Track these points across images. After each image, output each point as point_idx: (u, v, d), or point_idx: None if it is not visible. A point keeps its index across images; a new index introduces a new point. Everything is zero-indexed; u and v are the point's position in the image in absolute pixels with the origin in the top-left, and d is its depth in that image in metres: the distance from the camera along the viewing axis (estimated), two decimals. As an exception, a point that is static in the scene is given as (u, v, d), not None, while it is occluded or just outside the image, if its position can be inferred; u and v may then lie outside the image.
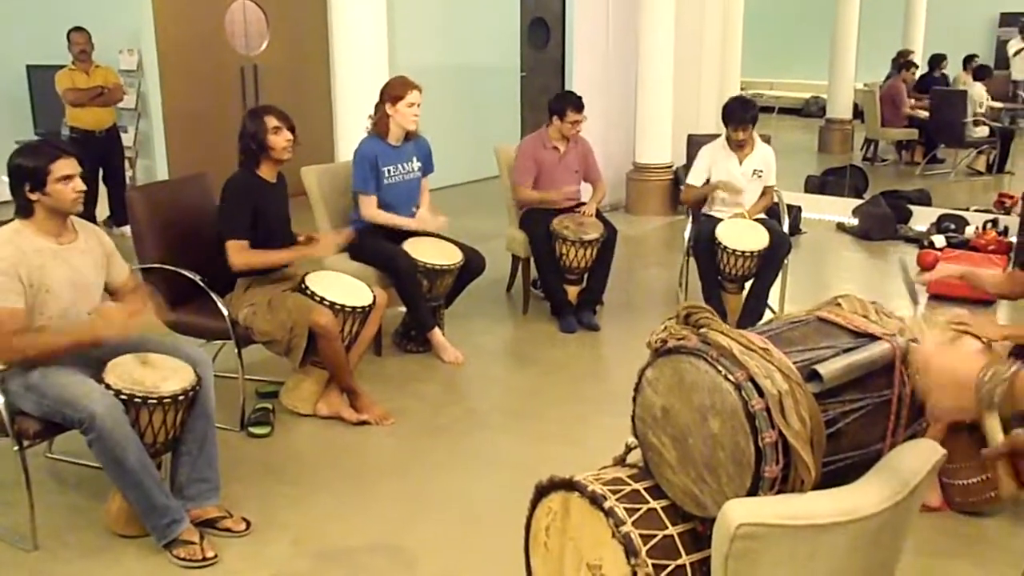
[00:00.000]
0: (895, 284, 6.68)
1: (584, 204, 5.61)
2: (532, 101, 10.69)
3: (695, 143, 6.16)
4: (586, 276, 5.50)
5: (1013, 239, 7.15)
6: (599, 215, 5.57)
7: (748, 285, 5.37)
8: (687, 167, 8.26)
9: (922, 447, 1.80)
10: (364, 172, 4.79)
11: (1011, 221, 7.48)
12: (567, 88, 9.61)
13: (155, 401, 2.92)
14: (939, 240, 7.25)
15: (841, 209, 8.32)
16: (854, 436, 1.74)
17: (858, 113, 12.11)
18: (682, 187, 6.26)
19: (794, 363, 1.68)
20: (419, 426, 4.13)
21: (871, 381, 1.75)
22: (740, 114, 5.36)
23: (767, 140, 5.78)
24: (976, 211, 8.07)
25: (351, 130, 5.39)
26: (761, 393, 1.62)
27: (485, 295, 5.79)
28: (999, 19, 14.67)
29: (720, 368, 1.66)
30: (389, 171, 4.85)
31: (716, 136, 5.75)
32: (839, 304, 1.92)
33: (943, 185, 9.80)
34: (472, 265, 4.97)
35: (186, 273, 3.90)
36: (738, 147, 5.46)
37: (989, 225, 7.45)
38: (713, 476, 1.71)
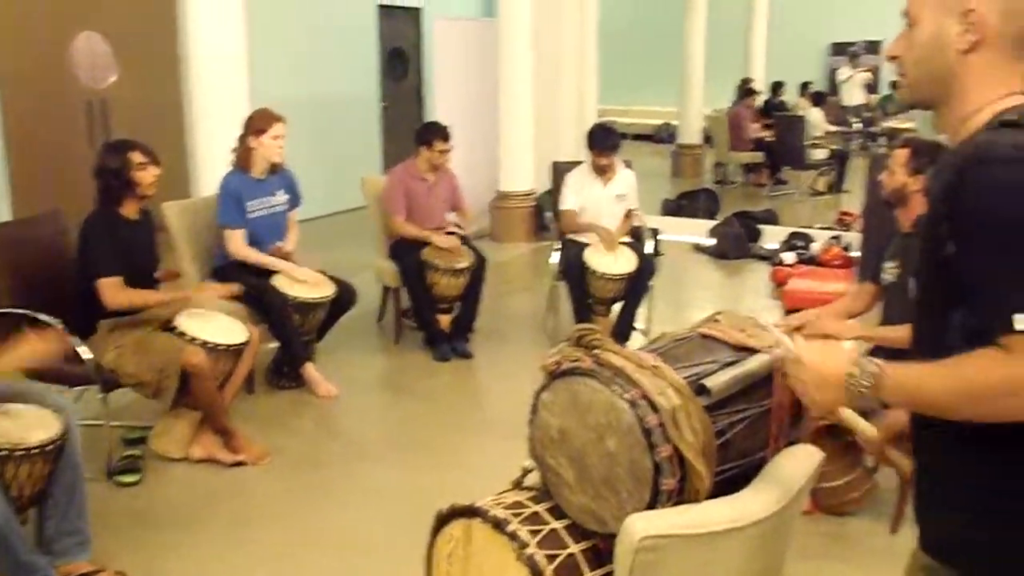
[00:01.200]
0: (751, 300, 7.00)
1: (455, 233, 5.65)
2: (392, 132, 10.70)
3: (560, 170, 6.30)
4: (457, 304, 5.52)
5: (856, 254, 7.60)
6: (468, 244, 5.62)
7: (616, 307, 5.52)
8: (550, 193, 8.48)
9: (802, 453, 1.90)
10: (229, 206, 4.68)
11: (853, 237, 7.94)
12: (427, 118, 9.68)
13: (21, 453, 2.76)
14: (789, 257, 7.63)
15: (697, 230, 8.64)
16: (741, 445, 1.82)
17: (707, 138, 12.67)
18: (547, 214, 6.40)
19: (683, 378, 1.75)
20: (298, 463, 4.05)
21: (753, 392, 1.84)
22: (604, 140, 5.53)
23: (628, 165, 5.96)
24: (821, 228, 8.55)
25: (211, 164, 5.27)
26: (655, 409, 1.68)
27: (356, 327, 5.73)
28: (830, 48, 15.69)
29: (615, 387, 1.71)
30: (254, 205, 4.76)
31: (580, 163, 5.90)
32: (718, 320, 2.01)
33: (789, 205, 10.34)
34: (343, 298, 4.92)
35: (43, 317, 3.70)
36: (601, 172, 5.62)
37: (833, 242, 7.89)
38: (612, 493, 1.75)
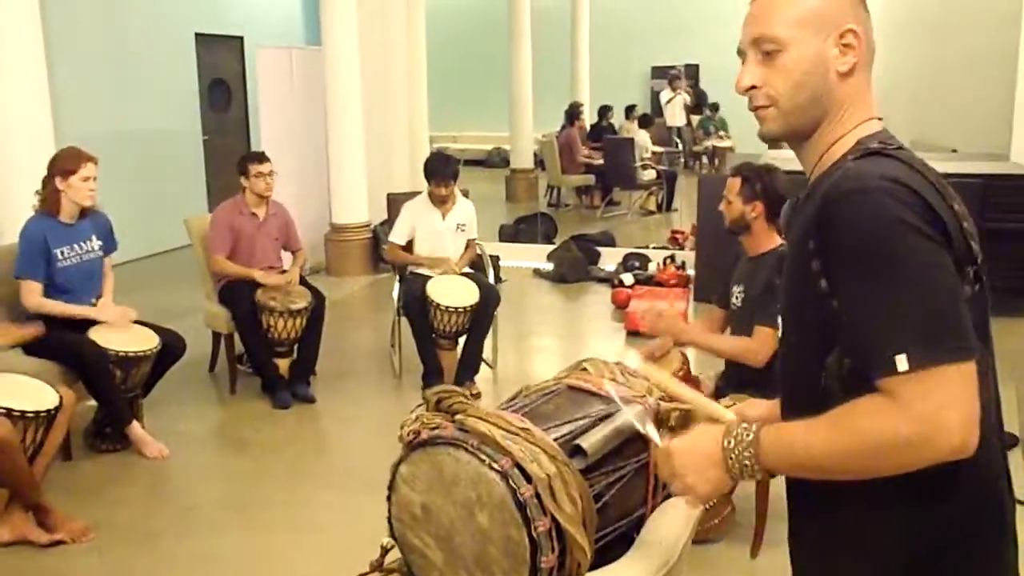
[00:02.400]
0: (594, 323, 7.02)
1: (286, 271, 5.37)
2: (217, 165, 10.21)
3: (396, 201, 6.11)
4: (296, 347, 5.24)
5: (691, 272, 7.77)
6: (305, 282, 5.35)
7: (462, 340, 5.38)
8: (385, 224, 8.28)
9: (680, 508, 1.79)
10: (30, 255, 4.25)
11: (686, 255, 8.12)
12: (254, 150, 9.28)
13: None
14: (628, 278, 7.70)
15: (536, 255, 8.63)
16: (620, 505, 1.70)
17: (539, 162, 12.79)
18: (384, 246, 6.20)
19: (555, 440, 1.61)
20: (127, 536, 3.67)
21: (628, 447, 1.72)
22: (442, 170, 5.40)
23: (466, 195, 5.85)
24: (655, 248, 8.70)
25: (11, 209, 4.80)
26: (529, 479, 1.53)
27: (186, 377, 5.34)
28: (651, 72, 16.20)
29: (483, 457, 1.55)
30: (63, 252, 4.35)
31: (417, 193, 5.74)
32: (585, 369, 1.88)
33: (622, 225, 10.51)
34: (171, 348, 4.56)
35: None
36: (440, 203, 5.48)
37: (669, 260, 8.03)
38: (486, 574, 1.59)
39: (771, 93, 1.39)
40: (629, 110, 13.35)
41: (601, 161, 11.60)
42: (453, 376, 5.32)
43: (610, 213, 11.35)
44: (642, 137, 11.79)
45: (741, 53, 1.44)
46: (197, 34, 10.17)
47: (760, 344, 3.20)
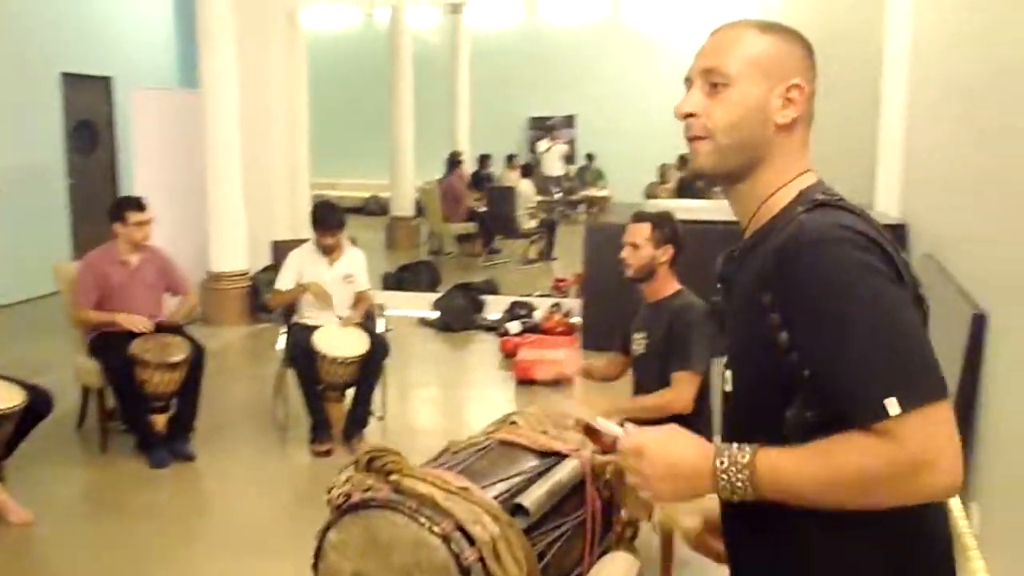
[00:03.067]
0: (483, 372, 6.93)
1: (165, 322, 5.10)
2: (83, 209, 9.72)
3: (281, 249, 5.92)
4: (174, 401, 4.96)
5: (576, 319, 7.80)
6: (183, 332, 5.09)
7: (350, 392, 5.22)
8: (267, 271, 8.03)
9: (619, 564, 1.72)
10: None
11: (571, 303, 8.15)
12: (123, 195, 8.88)
13: None
14: (514, 326, 7.67)
15: (420, 304, 8.50)
16: (559, 564, 1.62)
17: (419, 209, 12.74)
18: (267, 296, 5.99)
19: (494, 498, 1.52)
20: (-13, 615, 3.35)
21: (566, 503, 1.64)
22: (329, 219, 5.28)
23: (354, 243, 5.71)
24: (539, 296, 8.70)
25: None
26: (472, 541, 1.43)
27: (52, 435, 4.95)
28: (529, 122, 16.44)
29: (422, 520, 1.44)
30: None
31: (302, 240, 5.58)
32: (515, 423, 1.80)
33: (505, 273, 10.50)
34: (36, 405, 4.23)
35: None
36: (328, 251, 5.34)
37: (554, 308, 8.05)
38: (425, 645, 1.47)
39: (708, 125, 1.38)
40: (509, 159, 13.47)
41: (484, 209, 11.62)
42: (341, 429, 5.15)
43: (492, 261, 11.35)
44: (525, 186, 11.88)
45: (688, 81, 1.43)
46: (63, 74, 9.71)
47: (681, 392, 3.21)
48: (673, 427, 1.38)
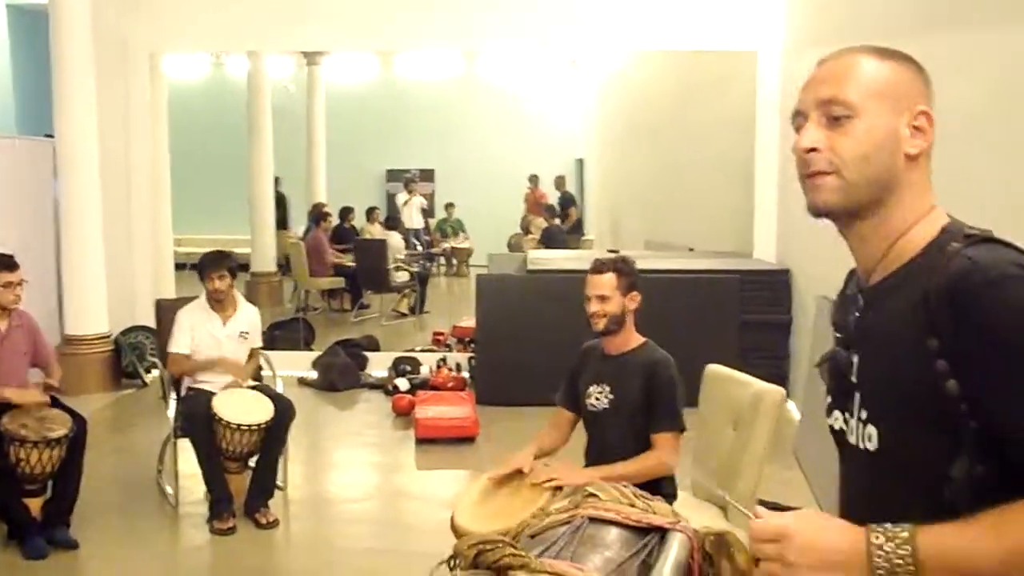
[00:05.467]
0: (376, 433, 6.58)
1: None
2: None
3: (165, 308, 5.45)
4: (51, 483, 4.42)
5: (466, 374, 7.58)
6: (60, 404, 4.58)
7: (252, 461, 4.82)
8: (131, 333, 7.43)
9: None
10: None
11: (459, 357, 7.93)
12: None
13: None
14: (403, 383, 7.37)
15: (297, 363, 8.04)
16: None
17: (280, 265, 12.27)
18: (155, 358, 5.50)
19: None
20: None
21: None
22: (217, 261, 4.99)
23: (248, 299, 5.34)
24: (422, 351, 8.42)
25: None
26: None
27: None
28: (386, 175, 16.21)
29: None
30: None
31: (190, 298, 5.17)
32: (595, 495, 1.58)
33: (377, 329, 10.14)
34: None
35: None
36: (219, 306, 4.96)
37: (442, 363, 7.79)
38: None
39: (835, 160, 1.26)
40: (370, 212, 13.18)
41: (351, 263, 11.28)
42: (243, 502, 4.73)
43: (362, 316, 10.99)
44: (394, 239, 11.63)
45: (798, 116, 1.31)
46: None
47: (668, 454, 3.07)
48: (813, 511, 1.23)
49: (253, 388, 4.94)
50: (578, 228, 14.09)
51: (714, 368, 3.50)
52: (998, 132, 3.44)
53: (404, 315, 11.11)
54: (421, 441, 6.09)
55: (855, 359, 1.31)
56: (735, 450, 3.22)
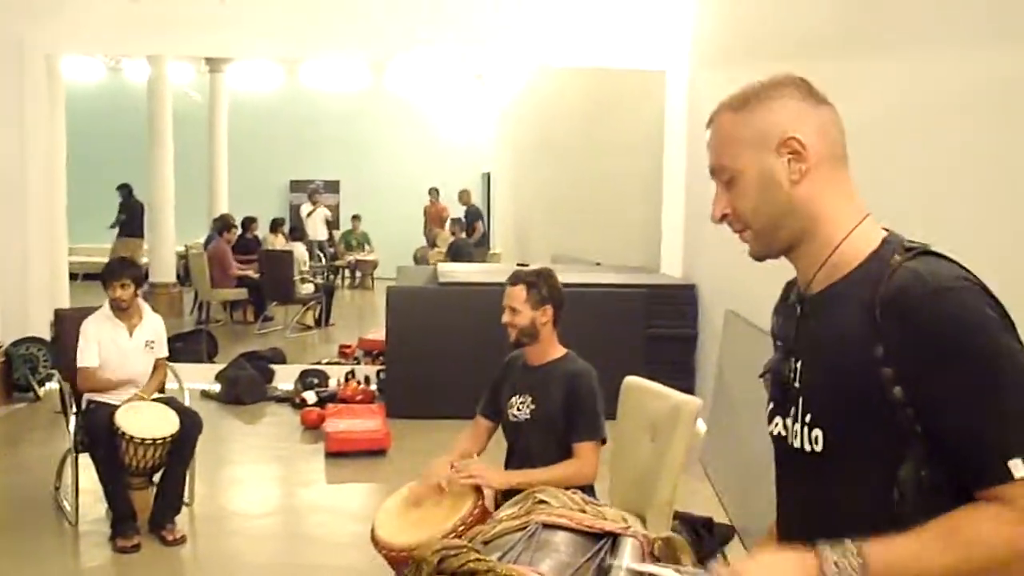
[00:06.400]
0: (287, 447, 6.46)
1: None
2: None
3: (66, 319, 5.24)
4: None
5: (374, 387, 7.51)
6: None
7: (157, 476, 4.67)
8: (22, 344, 7.12)
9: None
10: None
11: (367, 370, 7.85)
12: None
13: None
14: (310, 396, 7.26)
15: (203, 376, 7.82)
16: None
17: (179, 275, 11.98)
18: (51, 371, 5.27)
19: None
20: None
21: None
22: (119, 269, 4.84)
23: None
24: (329, 364, 8.31)
25: None
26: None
27: None
28: (289, 185, 15.98)
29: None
30: None
31: (96, 308, 5.00)
32: (544, 501, 1.59)
33: (281, 341, 9.97)
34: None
35: None
36: (124, 315, 4.81)
37: (350, 376, 7.70)
38: None
39: (740, 218, 1.36)
40: (275, 223, 12.96)
41: (255, 274, 11.06)
42: (147, 519, 4.58)
43: (266, 329, 10.79)
44: (299, 250, 11.46)
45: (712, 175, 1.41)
46: None
47: (587, 463, 3.09)
48: (768, 552, 1.29)
49: (158, 401, 4.79)
50: (484, 242, 14.14)
51: (633, 380, 3.55)
52: (906, 149, 3.58)
53: (309, 327, 10.96)
54: (331, 455, 6.01)
55: (798, 365, 1.36)
56: (653, 461, 3.27)
